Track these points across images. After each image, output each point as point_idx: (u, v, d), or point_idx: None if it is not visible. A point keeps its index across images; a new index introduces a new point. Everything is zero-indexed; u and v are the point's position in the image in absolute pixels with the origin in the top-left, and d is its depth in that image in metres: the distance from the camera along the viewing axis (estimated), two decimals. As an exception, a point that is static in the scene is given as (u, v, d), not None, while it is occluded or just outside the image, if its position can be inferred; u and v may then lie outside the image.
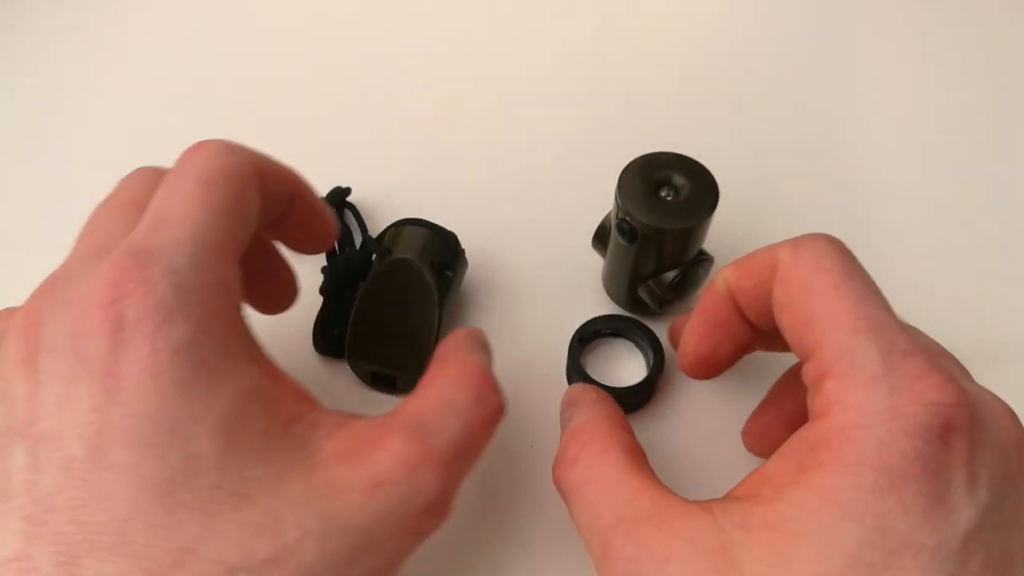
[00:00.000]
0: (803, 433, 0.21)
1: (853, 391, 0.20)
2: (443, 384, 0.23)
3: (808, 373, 0.22)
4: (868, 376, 0.20)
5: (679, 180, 0.31)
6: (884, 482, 0.18)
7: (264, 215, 0.24)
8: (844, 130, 0.44)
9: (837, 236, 0.26)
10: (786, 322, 0.23)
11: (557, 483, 0.24)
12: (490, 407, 0.23)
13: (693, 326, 0.27)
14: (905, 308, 0.37)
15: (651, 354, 0.33)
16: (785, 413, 0.28)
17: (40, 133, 0.44)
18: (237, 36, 0.48)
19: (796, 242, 0.24)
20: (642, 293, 0.33)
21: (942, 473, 0.18)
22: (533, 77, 0.47)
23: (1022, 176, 0.42)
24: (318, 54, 0.48)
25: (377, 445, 0.20)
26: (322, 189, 0.35)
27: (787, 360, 0.28)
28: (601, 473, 0.23)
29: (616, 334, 0.35)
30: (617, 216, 0.31)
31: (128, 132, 0.43)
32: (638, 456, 0.24)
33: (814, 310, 0.22)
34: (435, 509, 0.21)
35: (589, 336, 0.34)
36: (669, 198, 0.31)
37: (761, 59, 0.48)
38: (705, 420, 0.33)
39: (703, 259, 0.33)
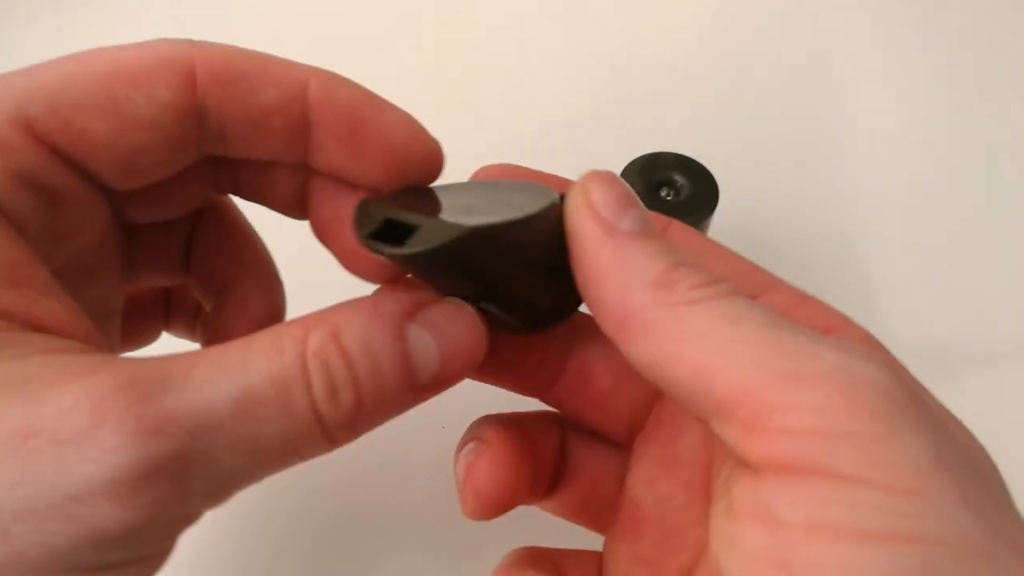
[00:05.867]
0: None
1: None
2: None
3: None
4: None
5: (679, 180, 0.31)
6: None
7: (210, 126, 0.17)
8: (844, 130, 0.44)
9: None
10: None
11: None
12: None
13: None
14: (904, 308, 0.37)
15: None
16: None
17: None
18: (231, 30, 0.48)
19: None
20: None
21: None
22: (533, 77, 0.47)
23: (1021, 176, 0.42)
24: (313, 55, 0.48)
25: (65, 379, 0.14)
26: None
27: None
28: None
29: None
30: (617, 216, 0.31)
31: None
32: None
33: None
34: (125, 494, 0.13)
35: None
36: (669, 198, 0.31)
37: (761, 60, 0.48)
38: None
39: (703, 259, 0.33)
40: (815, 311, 0.19)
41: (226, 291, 0.23)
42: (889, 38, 0.49)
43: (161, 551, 0.16)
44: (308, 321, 0.16)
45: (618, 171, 0.31)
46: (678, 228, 0.21)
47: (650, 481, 0.21)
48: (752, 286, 0.19)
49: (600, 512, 0.22)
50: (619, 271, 0.16)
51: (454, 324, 0.17)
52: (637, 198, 0.17)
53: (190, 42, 0.17)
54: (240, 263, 0.23)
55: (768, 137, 0.44)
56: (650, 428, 0.21)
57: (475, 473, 0.20)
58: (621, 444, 0.22)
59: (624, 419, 0.21)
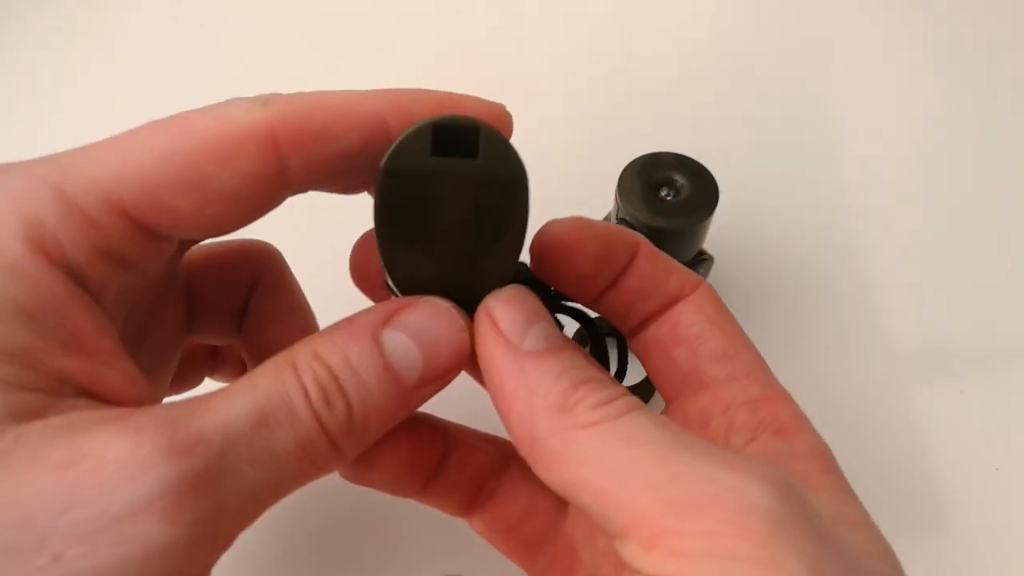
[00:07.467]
0: None
1: None
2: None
3: None
4: None
5: (679, 180, 0.31)
6: None
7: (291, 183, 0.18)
8: (844, 130, 0.44)
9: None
10: None
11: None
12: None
13: None
14: (904, 308, 0.37)
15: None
16: None
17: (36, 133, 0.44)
18: (231, 34, 0.48)
19: None
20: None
21: None
22: (533, 77, 0.47)
23: (1020, 174, 0.42)
24: (314, 55, 0.48)
25: (107, 420, 0.15)
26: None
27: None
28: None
29: (615, 333, 0.35)
30: (617, 216, 0.31)
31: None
32: None
33: None
34: (167, 509, 0.14)
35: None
36: (669, 198, 0.31)
37: (762, 60, 0.48)
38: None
39: (703, 259, 0.33)
40: (778, 410, 0.19)
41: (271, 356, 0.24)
42: (890, 38, 0.49)
43: None
44: (294, 347, 0.17)
45: (618, 171, 0.31)
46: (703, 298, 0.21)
47: (590, 532, 0.21)
48: (734, 368, 0.20)
49: (529, 543, 0.22)
50: (523, 398, 0.17)
51: (432, 321, 0.17)
52: (542, 311, 0.18)
53: (264, 101, 0.17)
54: (289, 335, 0.24)
55: (769, 137, 0.44)
56: None
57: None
58: None
59: None
